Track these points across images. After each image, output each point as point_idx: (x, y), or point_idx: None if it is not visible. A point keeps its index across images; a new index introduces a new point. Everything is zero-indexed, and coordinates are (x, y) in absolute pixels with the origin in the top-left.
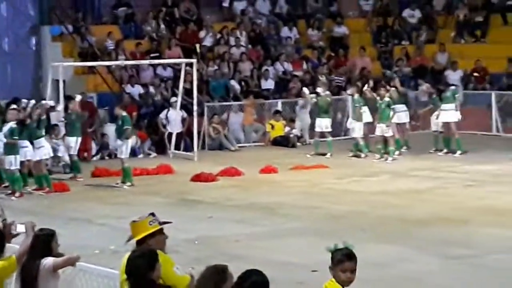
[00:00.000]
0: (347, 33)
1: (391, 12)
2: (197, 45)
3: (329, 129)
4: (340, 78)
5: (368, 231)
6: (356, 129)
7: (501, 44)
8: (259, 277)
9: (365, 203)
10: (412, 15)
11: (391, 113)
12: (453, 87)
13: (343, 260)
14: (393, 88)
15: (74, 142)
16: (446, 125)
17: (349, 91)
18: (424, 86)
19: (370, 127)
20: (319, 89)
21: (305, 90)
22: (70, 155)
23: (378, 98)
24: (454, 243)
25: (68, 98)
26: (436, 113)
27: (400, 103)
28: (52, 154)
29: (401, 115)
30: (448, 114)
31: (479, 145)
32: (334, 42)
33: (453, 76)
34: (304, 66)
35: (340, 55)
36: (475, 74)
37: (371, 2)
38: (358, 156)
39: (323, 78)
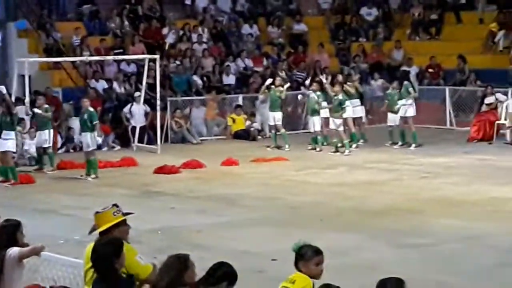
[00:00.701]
0: (306, 30)
1: (349, 10)
2: (165, 42)
3: (280, 122)
4: (301, 74)
5: (326, 221)
6: (315, 123)
7: (455, 42)
8: (229, 268)
9: (323, 194)
10: (369, 13)
11: (345, 108)
12: (406, 82)
13: (315, 255)
14: (350, 83)
15: (47, 135)
16: (403, 119)
17: (312, 87)
18: (379, 81)
19: (327, 121)
20: (278, 81)
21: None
22: (44, 148)
23: (333, 93)
24: (409, 233)
25: (35, 93)
26: (397, 106)
27: (356, 98)
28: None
29: (357, 109)
30: (405, 108)
31: (434, 138)
32: (293, 39)
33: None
34: (265, 62)
35: (299, 52)
36: (430, 70)
37: (329, 0)
38: (316, 149)
39: (282, 74)
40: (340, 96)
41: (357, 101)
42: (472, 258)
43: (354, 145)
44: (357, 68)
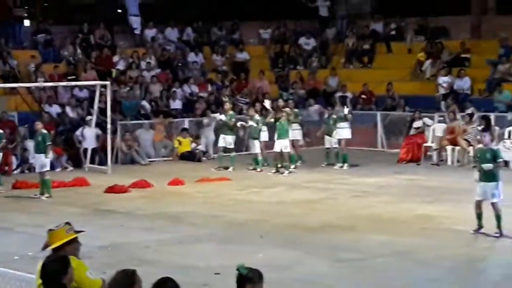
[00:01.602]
0: (248, 59)
1: (288, 40)
2: (114, 70)
3: (232, 146)
4: (243, 100)
5: (266, 237)
6: (256, 146)
7: (386, 70)
8: (173, 283)
9: (264, 212)
10: (307, 43)
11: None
12: (343, 108)
13: (260, 279)
14: (289, 109)
15: None
16: (339, 141)
17: (250, 112)
18: (316, 106)
19: (267, 144)
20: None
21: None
22: None
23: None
24: (343, 248)
25: None
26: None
27: (295, 122)
28: None
29: (296, 133)
30: (342, 131)
31: (366, 159)
32: (236, 67)
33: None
34: (209, 88)
35: (242, 78)
36: (363, 96)
37: (269, 31)
38: (257, 170)
39: (226, 99)
40: (283, 120)
41: (296, 125)
42: (402, 272)
43: (293, 166)
44: (295, 94)
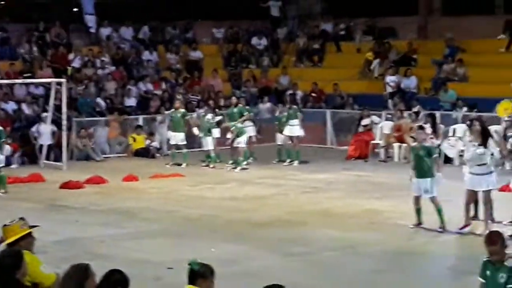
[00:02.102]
0: (201, 57)
1: (240, 39)
2: (69, 68)
3: (184, 142)
4: (195, 97)
5: (219, 232)
6: (209, 142)
7: (335, 69)
8: (121, 275)
9: (216, 207)
10: (259, 42)
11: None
12: (295, 106)
13: (211, 274)
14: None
15: None
16: (291, 138)
17: (202, 110)
18: (268, 104)
19: (219, 141)
20: (177, 103)
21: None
22: None
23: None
24: (292, 242)
25: None
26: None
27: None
28: None
29: (249, 129)
30: (293, 129)
31: (316, 156)
32: (189, 65)
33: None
34: (163, 86)
35: (195, 77)
36: (313, 94)
37: (222, 30)
38: (209, 166)
39: (180, 97)
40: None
41: (249, 122)
42: (349, 265)
43: (245, 162)
44: (247, 92)
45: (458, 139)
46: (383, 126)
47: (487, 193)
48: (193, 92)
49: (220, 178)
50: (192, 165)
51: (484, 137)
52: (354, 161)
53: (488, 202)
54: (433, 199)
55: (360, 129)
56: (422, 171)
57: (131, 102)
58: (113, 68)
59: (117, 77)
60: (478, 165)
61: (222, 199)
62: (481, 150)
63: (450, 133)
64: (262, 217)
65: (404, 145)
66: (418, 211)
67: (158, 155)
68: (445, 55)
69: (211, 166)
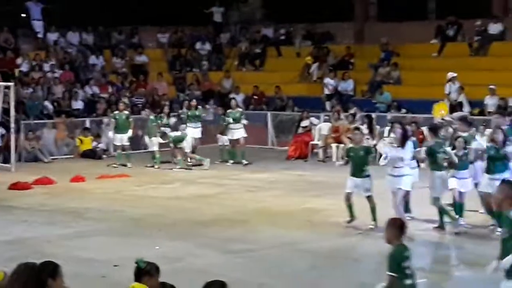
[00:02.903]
0: (146, 61)
1: (185, 44)
2: (17, 71)
3: (128, 143)
4: (140, 100)
5: (163, 230)
6: (154, 144)
7: (276, 72)
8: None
9: (161, 206)
10: (202, 47)
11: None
12: (239, 109)
13: (157, 272)
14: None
15: None
16: (234, 140)
17: (145, 112)
18: (211, 108)
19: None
20: (121, 106)
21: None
22: None
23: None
24: (234, 240)
25: None
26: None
27: (195, 121)
28: None
29: (195, 131)
30: (238, 131)
31: (257, 157)
32: (135, 69)
33: (237, 99)
34: (110, 89)
35: (141, 80)
36: (254, 97)
37: (167, 35)
38: (154, 167)
39: (125, 99)
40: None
41: (196, 124)
42: (290, 262)
43: (190, 162)
44: (191, 95)
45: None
46: (321, 127)
47: (402, 192)
48: (138, 95)
49: (165, 178)
50: (138, 166)
51: (403, 139)
52: (294, 161)
53: (400, 202)
54: (370, 198)
55: (300, 130)
56: (361, 171)
57: (78, 105)
58: (60, 72)
59: (65, 80)
60: (396, 167)
61: (167, 198)
62: (400, 152)
63: (386, 134)
64: (205, 216)
65: (342, 145)
66: (350, 207)
67: (104, 156)
68: (380, 59)
69: (156, 166)
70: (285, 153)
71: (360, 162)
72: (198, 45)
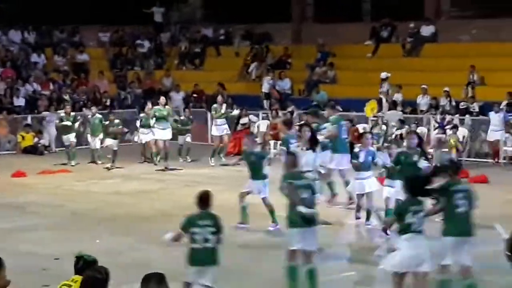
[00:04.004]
0: (88, 60)
1: (126, 43)
2: None
3: (74, 141)
4: (81, 97)
5: (104, 225)
6: (96, 141)
7: (215, 71)
8: None
9: (102, 201)
10: (142, 45)
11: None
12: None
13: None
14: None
15: None
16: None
17: (93, 110)
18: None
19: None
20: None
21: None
22: None
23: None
24: None
25: None
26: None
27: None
28: None
29: (164, 132)
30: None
31: (198, 153)
32: (76, 67)
33: (177, 97)
34: (51, 86)
35: (82, 78)
36: (194, 95)
37: (108, 34)
38: (95, 163)
39: (67, 97)
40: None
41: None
42: (225, 254)
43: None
44: (132, 93)
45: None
46: (259, 124)
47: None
48: (80, 93)
49: (106, 174)
50: (80, 162)
51: (312, 142)
52: (233, 157)
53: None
54: (265, 199)
55: (239, 128)
56: (257, 173)
57: (20, 102)
58: (1, 69)
59: (6, 78)
60: (309, 170)
61: (107, 193)
62: (310, 155)
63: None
64: (145, 210)
65: (279, 142)
66: (244, 209)
67: (46, 152)
68: (317, 59)
69: (99, 162)
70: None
71: (256, 166)
72: (138, 44)
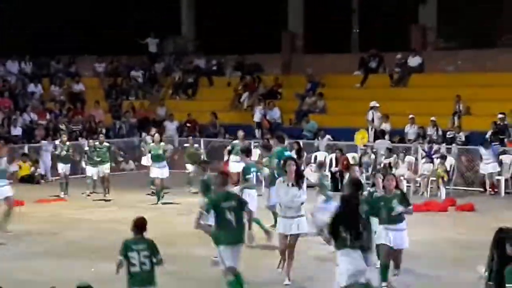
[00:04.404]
0: (83, 90)
1: (121, 73)
2: None
3: (69, 172)
4: (77, 127)
5: (100, 252)
6: (93, 172)
7: (208, 101)
8: None
9: (97, 229)
10: (138, 76)
11: None
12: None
13: None
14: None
15: None
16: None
17: (101, 138)
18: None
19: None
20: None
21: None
22: None
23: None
24: (166, 260)
25: None
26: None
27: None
28: None
29: (162, 171)
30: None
31: (193, 182)
32: (72, 97)
33: (171, 126)
34: (48, 116)
35: (78, 108)
36: (188, 124)
37: (104, 64)
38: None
39: (63, 126)
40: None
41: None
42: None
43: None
44: (127, 122)
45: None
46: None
47: (296, 237)
48: (75, 123)
49: (100, 203)
50: (76, 191)
51: (298, 177)
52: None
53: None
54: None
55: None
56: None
57: (17, 131)
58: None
59: (4, 107)
60: (291, 207)
61: (102, 221)
62: (295, 191)
63: (312, 160)
64: None
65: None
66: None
67: (42, 181)
68: (307, 89)
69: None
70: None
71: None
72: (133, 74)
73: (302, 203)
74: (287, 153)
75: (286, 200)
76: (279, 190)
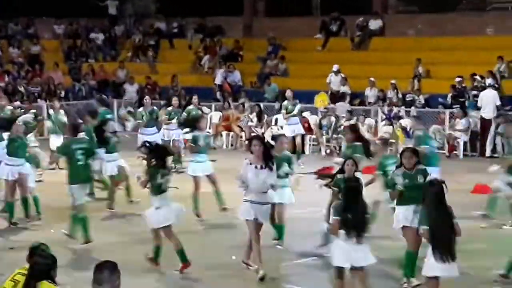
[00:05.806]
0: (42, 52)
1: (80, 35)
2: None
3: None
4: (36, 89)
5: (58, 214)
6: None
7: (169, 64)
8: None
9: (60, 192)
10: (97, 37)
11: None
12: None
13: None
14: None
15: None
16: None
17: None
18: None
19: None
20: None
21: None
22: None
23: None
24: (133, 225)
25: None
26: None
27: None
28: None
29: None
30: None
31: None
32: (31, 59)
33: (131, 89)
34: (6, 78)
35: (37, 70)
36: (148, 87)
37: (63, 26)
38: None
39: (21, 88)
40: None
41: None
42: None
43: None
44: (86, 84)
45: (279, 128)
46: (212, 116)
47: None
48: (34, 85)
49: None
50: None
51: (266, 157)
52: (185, 149)
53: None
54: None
55: None
56: None
57: None
58: None
59: None
60: (262, 192)
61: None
62: (264, 173)
63: (273, 122)
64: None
65: (232, 133)
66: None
67: None
68: (268, 52)
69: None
70: None
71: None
72: (93, 36)
73: (272, 186)
74: (108, 116)
75: (257, 185)
76: (247, 174)
